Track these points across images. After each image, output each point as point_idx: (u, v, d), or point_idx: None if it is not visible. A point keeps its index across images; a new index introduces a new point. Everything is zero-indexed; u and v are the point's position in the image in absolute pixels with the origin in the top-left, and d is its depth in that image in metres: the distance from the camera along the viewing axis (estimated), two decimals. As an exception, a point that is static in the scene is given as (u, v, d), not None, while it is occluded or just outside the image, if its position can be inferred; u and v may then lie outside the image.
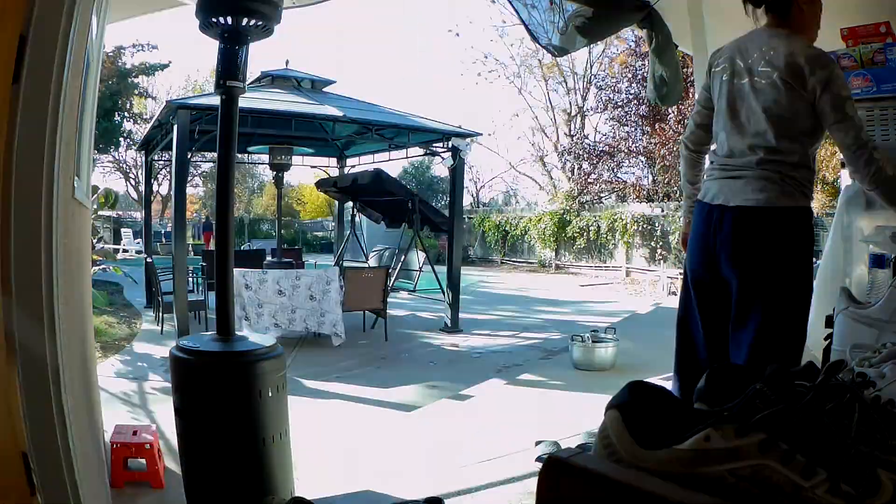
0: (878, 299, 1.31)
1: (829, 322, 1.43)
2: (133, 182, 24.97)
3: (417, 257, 9.12)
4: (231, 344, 2.37)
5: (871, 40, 2.32)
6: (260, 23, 2.35)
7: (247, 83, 2.52)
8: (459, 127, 8.72)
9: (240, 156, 11.63)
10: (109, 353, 5.69)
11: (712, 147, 2.04)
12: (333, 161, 11.50)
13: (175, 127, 6.37)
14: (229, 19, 2.32)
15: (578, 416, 3.66)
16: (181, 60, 44.42)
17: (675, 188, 16.76)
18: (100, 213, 7.71)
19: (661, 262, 14.36)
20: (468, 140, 8.16)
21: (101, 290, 8.10)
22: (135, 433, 2.86)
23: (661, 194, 17.04)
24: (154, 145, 9.08)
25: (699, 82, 3.48)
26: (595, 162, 19.38)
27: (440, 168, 23.52)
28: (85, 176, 2.17)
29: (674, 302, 8.18)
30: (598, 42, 14.41)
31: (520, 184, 27.82)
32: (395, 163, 30.73)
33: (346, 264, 9.53)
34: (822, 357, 1.45)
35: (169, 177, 19.97)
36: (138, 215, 21.29)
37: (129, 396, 4.33)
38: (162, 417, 3.70)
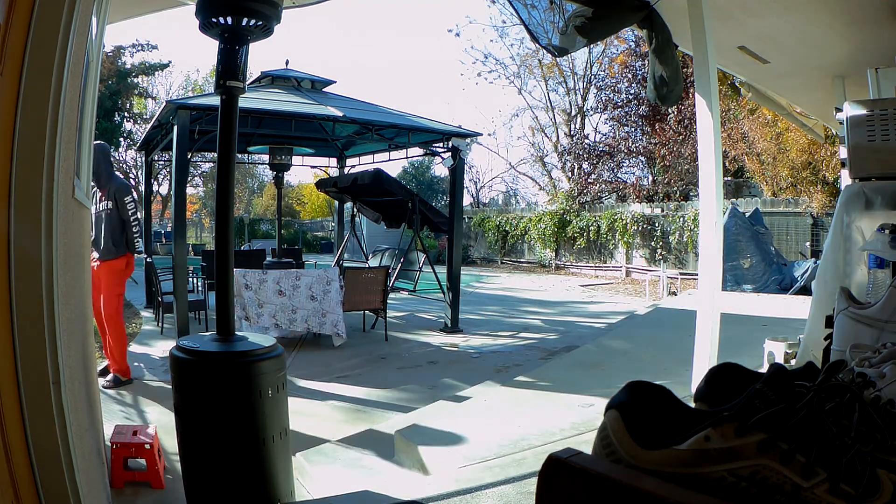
0: (878, 299, 1.30)
1: (829, 322, 1.42)
2: (133, 182, 24.97)
3: (417, 257, 9.13)
4: (231, 344, 2.38)
5: None
6: (260, 23, 2.35)
7: (247, 83, 2.52)
8: (459, 127, 8.73)
9: (240, 156, 11.64)
10: (109, 353, 5.69)
11: None
12: (333, 161, 11.50)
13: (175, 127, 6.37)
14: (229, 19, 2.33)
15: (578, 417, 3.66)
16: (181, 60, 44.53)
17: (675, 188, 16.78)
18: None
19: (662, 262, 14.36)
20: (468, 140, 8.16)
21: (101, 290, 8.09)
22: (135, 433, 2.86)
23: (661, 194, 17.04)
24: (154, 145, 9.09)
25: (699, 82, 3.49)
26: (595, 162, 19.39)
27: (440, 168, 23.54)
28: (85, 176, 2.17)
29: (674, 302, 8.16)
30: (598, 42, 14.42)
31: (520, 184, 27.87)
32: (395, 163, 30.80)
33: (346, 264, 9.53)
34: (822, 357, 1.45)
35: (169, 177, 19.99)
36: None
37: (129, 396, 4.33)
38: (161, 417, 3.70)
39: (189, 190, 24.87)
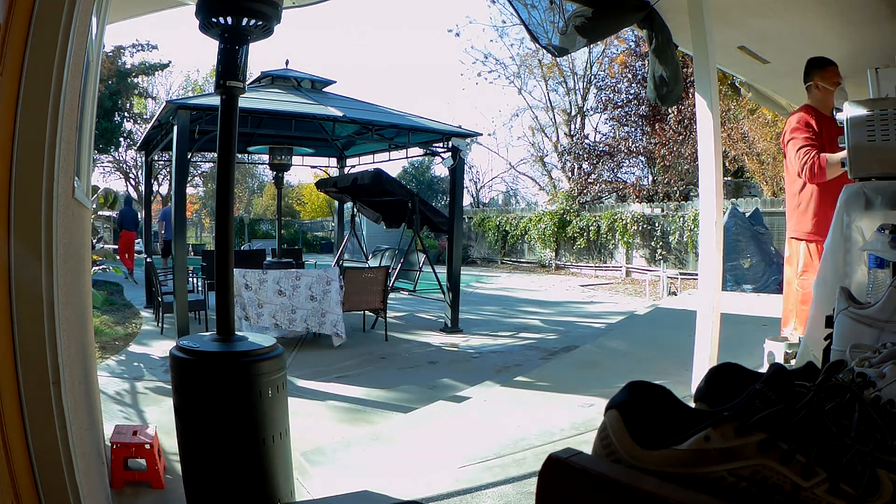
0: (878, 299, 1.30)
1: (829, 322, 1.42)
2: (133, 182, 24.98)
3: (417, 257, 9.13)
4: (231, 344, 2.38)
5: None
6: (260, 23, 2.35)
7: (247, 83, 2.52)
8: (459, 127, 8.73)
9: (240, 156, 11.64)
10: (109, 354, 5.69)
11: None
12: (333, 161, 11.50)
13: (175, 127, 6.37)
14: (229, 19, 2.33)
15: (578, 417, 3.66)
16: (181, 60, 44.55)
17: (675, 188, 16.77)
18: (100, 213, 7.70)
19: (662, 262, 14.36)
20: (468, 140, 8.16)
21: (101, 290, 8.11)
22: (135, 433, 2.86)
23: (661, 194, 17.04)
24: (154, 145, 9.08)
25: (699, 82, 3.49)
26: (595, 162, 19.38)
27: (440, 168, 23.56)
28: (85, 176, 2.17)
29: (674, 302, 8.15)
30: (598, 42, 14.42)
31: (520, 184, 27.88)
32: (395, 163, 30.81)
33: (346, 264, 9.53)
34: (822, 357, 1.44)
35: (169, 177, 19.98)
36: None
37: (129, 397, 4.33)
38: (161, 417, 3.70)
39: (189, 190, 24.86)
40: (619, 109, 18.54)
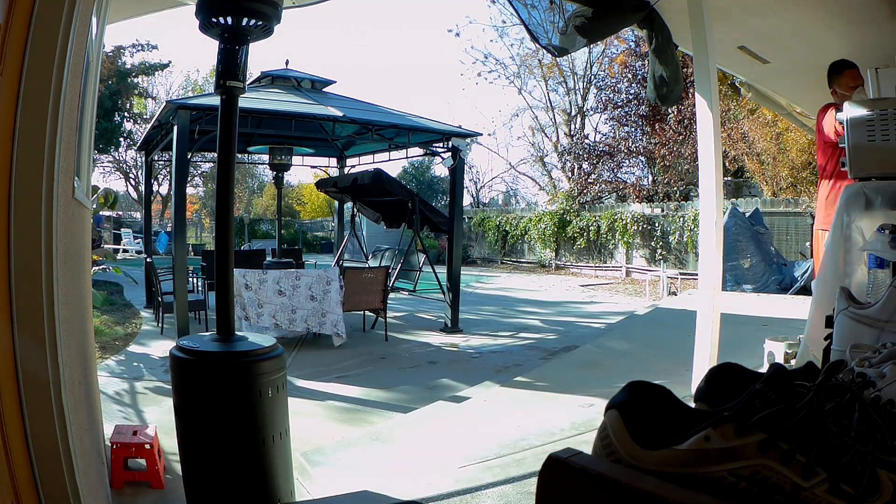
0: (878, 299, 1.30)
1: (829, 322, 1.42)
2: (133, 182, 24.97)
3: (417, 258, 9.13)
4: (231, 344, 2.37)
5: None
6: (260, 23, 2.35)
7: (247, 83, 2.52)
8: (459, 127, 8.73)
9: (240, 156, 11.64)
10: (109, 354, 5.69)
11: None
12: (333, 161, 11.50)
13: (175, 127, 6.37)
14: (229, 19, 2.33)
15: (578, 417, 3.66)
16: (181, 60, 44.57)
17: (675, 188, 16.77)
18: (100, 213, 7.70)
19: (662, 262, 14.36)
20: (468, 140, 8.16)
21: (101, 290, 8.11)
22: (135, 433, 2.86)
23: (661, 194, 17.04)
24: (154, 145, 9.08)
25: (699, 82, 3.49)
26: (595, 162, 19.38)
27: (440, 168, 23.57)
28: (85, 176, 2.17)
29: (674, 302, 8.14)
30: (598, 42, 14.42)
31: (520, 184, 27.88)
32: (395, 163, 30.81)
33: (346, 264, 9.53)
34: (822, 357, 1.45)
35: (169, 177, 19.98)
36: (138, 215, 21.29)
37: (128, 397, 4.33)
38: (161, 417, 3.70)
39: (189, 190, 24.86)
40: (619, 109, 18.55)
